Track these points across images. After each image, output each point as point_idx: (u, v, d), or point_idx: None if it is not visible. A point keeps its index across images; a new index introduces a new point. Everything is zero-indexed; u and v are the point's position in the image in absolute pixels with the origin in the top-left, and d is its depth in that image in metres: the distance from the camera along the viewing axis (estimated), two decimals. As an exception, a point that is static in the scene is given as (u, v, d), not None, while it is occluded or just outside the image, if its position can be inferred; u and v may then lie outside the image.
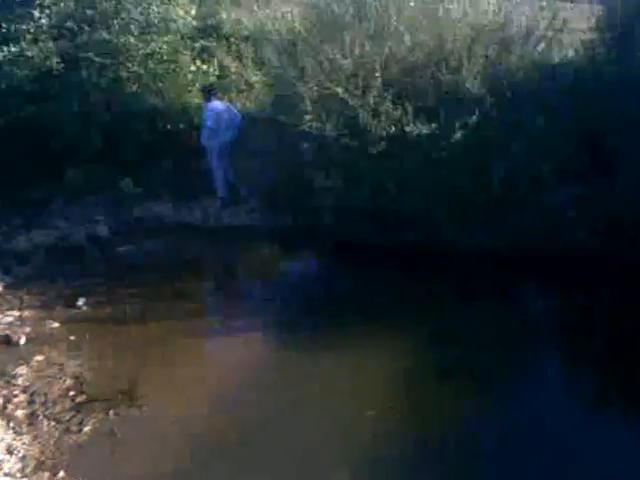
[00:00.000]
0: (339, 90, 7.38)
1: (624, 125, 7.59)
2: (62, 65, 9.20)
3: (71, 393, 5.47)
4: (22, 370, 5.79)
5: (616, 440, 4.94)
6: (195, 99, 10.03)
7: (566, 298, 7.31)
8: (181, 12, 10.00)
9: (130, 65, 9.62)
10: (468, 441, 4.82)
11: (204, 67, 10.39)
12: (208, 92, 9.43)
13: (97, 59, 9.22)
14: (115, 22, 9.42)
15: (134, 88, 9.82)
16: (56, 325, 6.59)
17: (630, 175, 7.58)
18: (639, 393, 5.45)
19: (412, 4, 8.08)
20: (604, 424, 5.18)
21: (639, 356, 5.84)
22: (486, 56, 7.66)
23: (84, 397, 5.42)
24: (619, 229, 7.64)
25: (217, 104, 9.39)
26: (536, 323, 7.07)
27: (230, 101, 9.84)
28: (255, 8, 11.00)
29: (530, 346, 6.43)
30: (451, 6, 7.98)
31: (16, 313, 6.81)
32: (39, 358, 6.00)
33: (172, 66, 10.02)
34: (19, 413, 5.19)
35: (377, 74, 7.42)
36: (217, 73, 10.48)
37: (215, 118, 9.23)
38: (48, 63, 9.07)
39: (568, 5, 9.94)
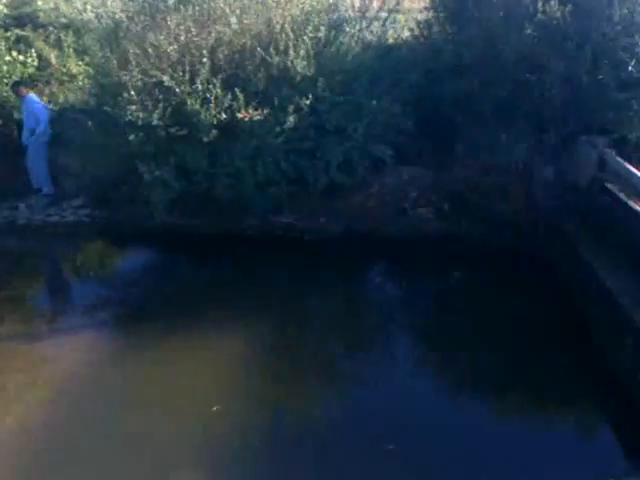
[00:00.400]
0: (165, 78, 7.33)
1: (461, 104, 8.03)
2: None
3: None
4: None
5: (469, 416, 5.21)
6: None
7: (412, 280, 7.68)
8: (-11, 0, 9.68)
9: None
10: (317, 429, 4.93)
11: (20, 58, 10.08)
12: (16, 87, 9.27)
13: None
14: None
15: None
16: None
17: (469, 153, 8.12)
18: (487, 370, 5.77)
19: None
20: (455, 402, 5.44)
21: (484, 334, 6.23)
22: (317, 38, 7.81)
23: None
24: (463, 208, 8.29)
25: (33, 99, 9.24)
26: (382, 306, 7.24)
27: (51, 93, 9.73)
28: (74, -5, 10.78)
29: (376, 330, 6.61)
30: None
31: None
32: None
33: (-17, 57, 9.54)
34: None
35: (204, 60, 7.41)
36: (35, 64, 10.11)
37: (34, 116, 9.09)
38: None
39: (404, -15, 10.58)
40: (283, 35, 7.66)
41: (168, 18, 7.76)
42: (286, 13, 7.93)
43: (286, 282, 7.33)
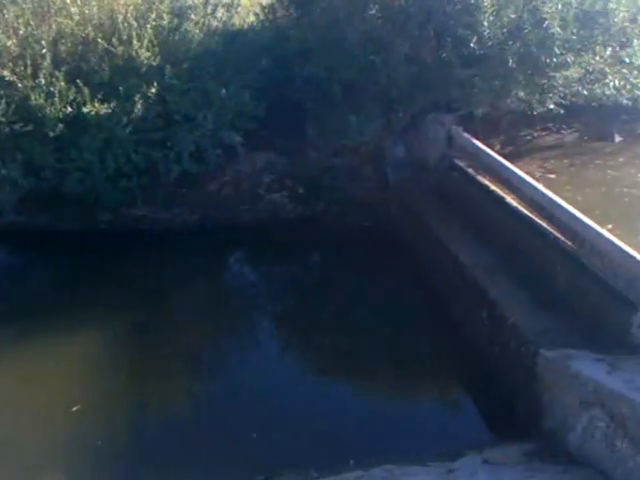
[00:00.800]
0: (5, 73, 6.77)
1: (310, 88, 7.82)
2: None
3: None
4: None
5: (335, 398, 5.06)
6: None
7: (271, 265, 7.43)
8: None
9: None
10: (181, 424, 4.72)
11: None
12: None
13: None
14: None
15: None
16: None
17: (320, 137, 7.96)
18: (351, 351, 5.60)
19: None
20: (321, 385, 5.29)
21: (344, 316, 6.11)
22: (161, 26, 7.44)
23: None
24: (318, 191, 8.19)
25: None
26: (243, 294, 7.01)
27: None
28: None
29: (238, 318, 6.39)
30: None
31: None
32: None
33: None
34: None
35: (45, 52, 6.91)
36: None
37: None
38: None
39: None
40: (126, 24, 7.29)
41: (5, 11, 7.32)
42: (128, 2, 7.57)
43: (144, 276, 6.91)
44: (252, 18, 9.28)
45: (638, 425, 3.15)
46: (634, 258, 4.10)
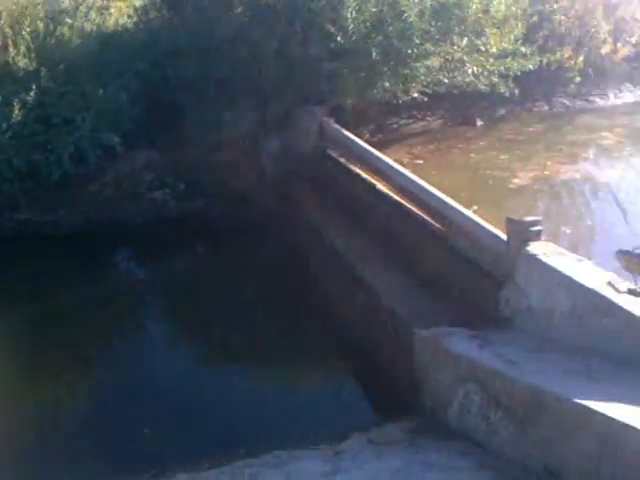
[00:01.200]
0: None
1: (185, 87, 7.69)
2: None
3: None
4: None
5: (228, 387, 5.02)
6: None
7: (158, 262, 7.23)
8: None
9: None
10: (75, 421, 4.53)
11: None
12: None
13: None
14: None
15: None
16: None
17: (198, 133, 7.75)
18: (243, 343, 5.55)
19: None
20: (215, 376, 5.24)
21: (233, 308, 5.91)
22: (37, 32, 7.37)
23: None
24: (199, 187, 7.95)
25: None
26: (133, 292, 6.85)
27: None
28: None
29: (131, 315, 6.31)
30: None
31: None
32: None
33: None
34: None
35: None
36: None
37: None
38: None
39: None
40: (1, 32, 7.25)
41: None
42: (1, 8, 7.47)
43: (31, 280, 6.54)
44: (126, 20, 9.01)
45: (509, 397, 3.24)
46: (498, 237, 4.22)
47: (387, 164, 5.93)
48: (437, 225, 5.01)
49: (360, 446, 3.79)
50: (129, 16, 9.13)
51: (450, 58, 8.32)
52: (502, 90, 8.83)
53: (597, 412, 2.71)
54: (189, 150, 7.94)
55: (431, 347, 3.96)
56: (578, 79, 11.07)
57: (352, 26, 7.51)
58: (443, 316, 4.27)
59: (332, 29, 7.50)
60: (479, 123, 9.92)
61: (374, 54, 7.68)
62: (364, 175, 6.32)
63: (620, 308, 3.28)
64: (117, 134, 7.50)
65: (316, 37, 7.58)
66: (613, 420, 2.63)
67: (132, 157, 7.90)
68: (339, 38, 7.53)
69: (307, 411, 4.65)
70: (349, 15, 7.45)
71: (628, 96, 11.96)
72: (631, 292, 3.44)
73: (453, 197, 5.01)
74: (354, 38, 7.63)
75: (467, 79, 8.56)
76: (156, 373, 5.19)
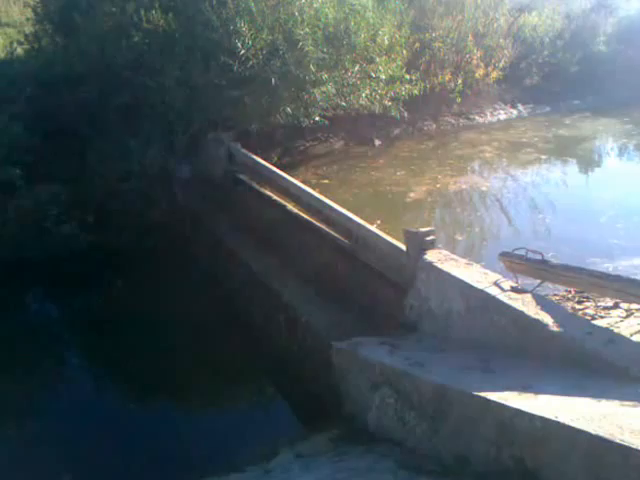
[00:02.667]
0: None
1: (85, 114, 7.36)
2: None
3: None
4: None
5: (155, 416, 4.82)
6: None
7: (68, 297, 6.78)
8: None
9: None
10: None
11: None
12: None
13: None
14: None
15: None
16: None
17: (102, 163, 7.42)
18: (169, 370, 5.23)
19: None
20: (140, 406, 4.97)
21: (155, 337, 5.65)
22: None
23: None
24: (109, 218, 7.59)
25: None
26: (42, 331, 6.23)
27: None
28: None
29: (45, 354, 5.75)
30: None
31: None
32: None
33: None
34: None
35: None
36: None
37: None
38: None
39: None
40: None
41: None
42: None
43: None
44: (15, 46, 8.54)
45: (419, 397, 3.33)
46: (399, 248, 4.36)
47: (295, 185, 5.98)
48: (345, 240, 5.11)
49: (289, 461, 3.73)
50: (19, 42, 8.68)
51: (345, 83, 8.57)
52: (394, 113, 9.18)
53: (493, 401, 2.84)
54: (96, 181, 7.53)
55: (347, 357, 3.99)
56: (459, 100, 11.72)
57: (248, 55, 7.55)
58: (356, 326, 4.33)
59: (230, 60, 7.51)
60: (377, 143, 10.26)
61: (273, 81, 7.76)
62: (274, 197, 6.34)
63: (505, 305, 3.47)
64: (16, 167, 6.93)
65: (216, 66, 7.55)
66: (506, 407, 2.76)
67: (35, 191, 7.31)
68: (236, 67, 7.56)
69: (235, 433, 4.52)
70: (245, 44, 7.49)
71: (501, 114, 12.84)
72: (514, 290, 3.62)
73: (358, 213, 5.11)
74: (252, 66, 7.69)
75: (362, 102, 8.84)
76: (73, 411, 4.85)
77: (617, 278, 3.71)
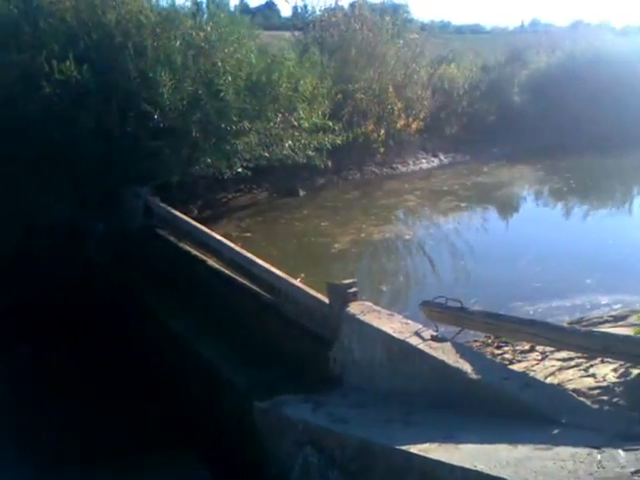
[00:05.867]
0: None
1: None
2: None
3: None
4: None
5: None
6: None
7: None
8: None
9: None
10: None
11: None
12: None
13: None
14: None
15: None
16: None
17: (11, 219, 7.23)
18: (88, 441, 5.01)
19: None
20: None
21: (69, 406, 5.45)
22: None
23: None
24: (11, 278, 7.08)
25: None
26: None
27: None
28: None
29: None
30: None
31: None
32: None
33: None
34: None
35: None
36: None
37: None
38: None
39: None
40: None
41: None
42: None
43: None
44: None
45: (343, 454, 3.35)
46: (322, 301, 4.42)
47: (216, 239, 5.97)
48: (268, 295, 5.12)
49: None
50: None
51: (268, 134, 8.75)
52: (317, 162, 9.42)
53: (415, 454, 2.90)
54: (3, 236, 7.32)
55: (270, 417, 3.96)
56: (382, 149, 12.18)
57: (169, 104, 7.59)
58: (280, 384, 4.30)
59: (149, 108, 7.54)
60: (301, 193, 10.44)
61: (194, 131, 7.83)
62: (194, 252, 6.29)
63: (426, 354, 3.57)
64: None
65: (133, 116, 7.56)
66: (428, 459, 2.83)
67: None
68: (156, 117, 7.57)
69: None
70: (165, 94, 7.52)
71: (424, 163, 13.44)
72: (434, 339, 3.73)
73: (281, 266, 5.15)
74: (172, 116, 7.73)
75: (285, 152, 9.03)
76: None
77: (532, 322, 3.87)
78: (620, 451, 2.57)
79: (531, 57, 18.01)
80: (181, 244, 6.57)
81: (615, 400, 3.21)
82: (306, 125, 9.12)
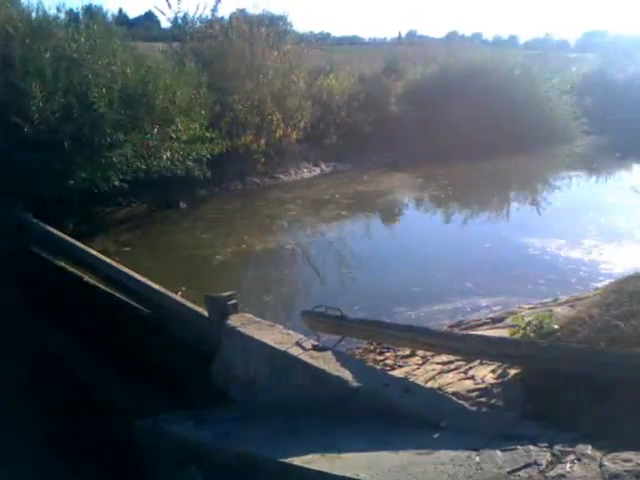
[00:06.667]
0: None
1: None
2: None
3: None
4: None
5: None
6: None
7: None
8: None
9: None
10: None
11: None
12: None
13: None
14: None
15: None
16: None
17: None
18: None
19: None
20: None
21: None
22: None
23: None
24: None
25: None
26: None
27: None
28: None
29: None
30: None
31: None
32: None
33: None
34: None
35: None
36: None
37: None
38: None
39: None
40: None
41: None
42: None
43: None
44: None
45: (226, 469, 3.34)
46: (202, 314, 4.40)
47: (91, 255, 5.77)
48: (147, 310, 5.02)
49: None
50: None
51: (144, 145, 8.58)
52: (197, 173, 9.36)
53: (298, 465, 2.94)
54: None
55: (152, 435, 3.88)
56: (263, 160, 12.25)
57: (39, 117, 7.32)
58: (161, 401, 4.27)
59: (19, 120, 7.22)
60: (182, 205, 10.28)
61: (66, 144, 7.55)
62: (70, 268, 6.05)
63: (307, 364, 3.62)
64: None
65: (3, 128, 7.24)
66: (310, 470, 2.87)
67: None
68: (26, 129, 7.27)
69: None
70: (35, 106, 7.26)
71: (305, 172, 13.66)
72: (315, 348, 3.80)
73: (162, 280, 5.06)
74: (44, 129, 7.44)
75: (163, 164, 8.89)
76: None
77: (409, 328, 3.97)
78: (498, 451, 2.69)
79: (407, 68, 18.71)
80: (57, 261, 6.30)
81: (493, 401, 3.34)
82: (183, 137, 9.05)
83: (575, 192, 13.02)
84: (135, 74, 8.40)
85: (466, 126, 15.16)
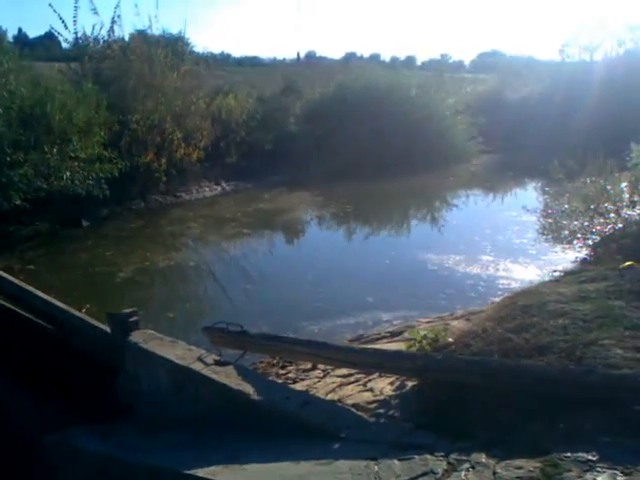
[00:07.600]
0: None
1: None
2: None
3: None
4: None
5: None
6: None
7: None
8: None
9: None
10: None
11: None
12: None
13: None
14: None
15: None
16: None
17: None
18: None
19: None
20: None
21: None
22: None
23: None
24: None
25: None
26: None
27: None
28: None
29: None
30: None
31: None
32: None
33: None
34: None
35: None
36: None
37: None
38: None
39: None
40: None
41: None
42: None
43: None
44: None
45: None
46: (105, 331, 4.47)
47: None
48: (50, 327, 4.99)
49: None
50: None
51: (45, 165, 8.50)
52: (97, 192, 9.34)
53: (202, 477, 3.03)
54: None
55: (59, 450, 3.91)
56: (164, 178, 12.29)
57: None
58: (69, 417, 4.23)
59: None
60: (85, 223, 10.17)
61: (-39, 165, 7.36)
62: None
63: (209, 379, 3.70)
64: None
65: None
66: None
67: None
68: None
69: None
70: None
71: (207, 191, 13.77)
72: (217, 363, 3.87)
73: (66, 297, 5.08)
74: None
75: (63, 184, 8.82)
76: None
77: (308, 343, 4.09)
78: (395, 461, 2.75)
79: (305, 88, 18.87)
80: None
81: (391, 412, 3.40)
82: (82, 155, 9.03)
83: (472, 210, 13.31)
84: (32, 94, 8.32)
85: (364, 146, 15.42)
